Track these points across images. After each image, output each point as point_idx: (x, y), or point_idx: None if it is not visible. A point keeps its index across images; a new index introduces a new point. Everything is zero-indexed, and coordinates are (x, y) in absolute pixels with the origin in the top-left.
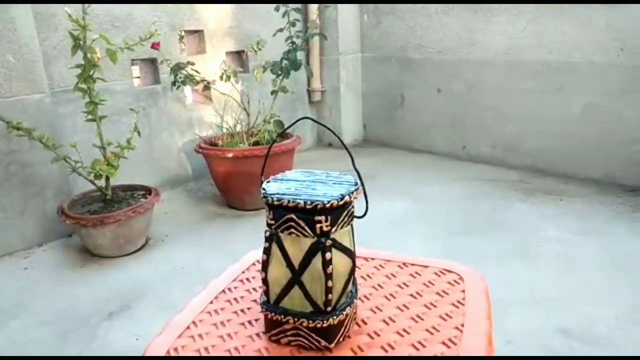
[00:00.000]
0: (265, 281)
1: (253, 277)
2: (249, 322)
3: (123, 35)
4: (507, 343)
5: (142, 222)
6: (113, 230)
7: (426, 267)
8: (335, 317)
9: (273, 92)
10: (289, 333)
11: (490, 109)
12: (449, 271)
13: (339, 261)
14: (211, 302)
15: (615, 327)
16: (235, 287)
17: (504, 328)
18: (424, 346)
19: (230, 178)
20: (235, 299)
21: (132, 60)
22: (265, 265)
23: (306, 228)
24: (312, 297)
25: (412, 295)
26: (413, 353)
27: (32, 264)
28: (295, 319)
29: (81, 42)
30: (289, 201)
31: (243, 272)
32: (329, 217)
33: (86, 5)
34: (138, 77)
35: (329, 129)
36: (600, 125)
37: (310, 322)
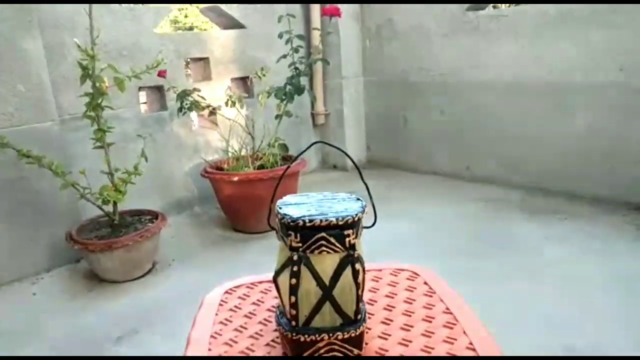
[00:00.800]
0: (295, 305)
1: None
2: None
3: (130, 63)
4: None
5: (149, 246)
6: (120, 255)
7: (380, 270)
8: (364, 324)
9: (277, 117)
10: (322, 351)
11: (492, 129)
12: (403, 270)
13: (361, 270)
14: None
15: (624, 348)
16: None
17: (510, 348)
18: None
19: (236, 201)
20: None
21: (139, 87)
22: (295, 288)
23: (336, 244)
24: (342, 310)
25: (388, 295)
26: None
27: (41, 290)
28: (330, 335)
29: (90, 72)
30: (321, 221)
31: (216, 314)
32: (354, 231)
33: (95, 35)
34: (145, 103)
35: (340, 149)
36: (603, 144)
37: (345, 333)
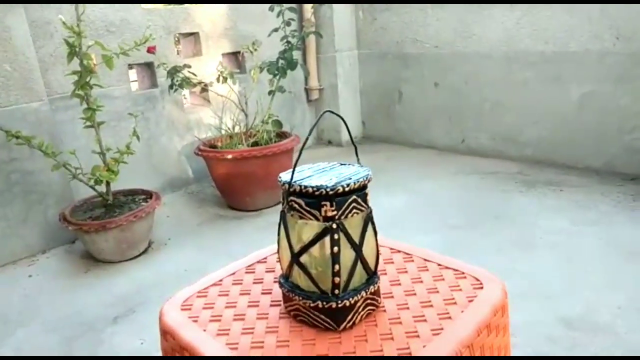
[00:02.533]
0: (338, 272)
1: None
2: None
3: (119, 40)
4: (511, 335)
5: (144, 226)
6: (115, 235)
7: (460, 272)
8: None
9: (270, 92)
10: (360, 310)
11: (488, 101)
12: (473, 277)
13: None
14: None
15: (617, 315)
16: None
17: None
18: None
19: (231, 179)
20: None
21: (129, 64)
22: (337, 256)
23: (362, 203)
24: (369, 265)
25: (416, 293)
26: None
27: (37, 272)
28: (366, 291)
29: (77, 49)
30: (354, 184)
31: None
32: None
33: (80, 11)
34: (136, 81)
35: (341, 117)
36: (598, 114)
37: (374, 286)
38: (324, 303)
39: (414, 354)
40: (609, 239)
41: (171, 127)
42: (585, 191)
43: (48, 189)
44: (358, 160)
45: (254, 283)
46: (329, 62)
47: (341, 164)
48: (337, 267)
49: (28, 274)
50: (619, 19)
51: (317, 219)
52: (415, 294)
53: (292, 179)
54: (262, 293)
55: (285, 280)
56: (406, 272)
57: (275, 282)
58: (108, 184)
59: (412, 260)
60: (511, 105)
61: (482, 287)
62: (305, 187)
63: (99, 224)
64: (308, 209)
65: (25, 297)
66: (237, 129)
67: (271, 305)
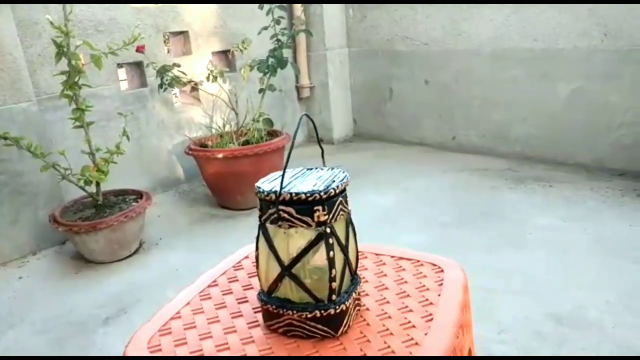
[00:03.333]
0: (335, 277)
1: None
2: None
3: (107, 39)
4: (500, 332)
5: (134, 226)
6: (106, 236)
7: (415, 260)
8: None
9: (261, 91)
10: (353, 310)
11: (478, 98)
12: (430, 263)
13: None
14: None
15: (605, 311)
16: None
17: (496, 317)
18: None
19: (222, 178)
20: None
21: (118, 64)
22: (333, 261)
23: (345, 206)
24: (352, 266)
25: (388, 287)
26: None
27: (27, 273)
28: (355, 292)
29: (65, 49)
30: (341, 185)
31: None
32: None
33: (68, 11)
34: (125, 80)
35: (312, 122)
36: (586, 111)
37: (359, 286)
38: (322, 312)
39: (420, 343)
40: (598, 235)
41: (161, 126)
42: (574, 187)
43: (38, 190)
44: (324, 162)
45: (217, 308)
46: (320, 60)
47: (308, 169)
48: (333, 272)
49: (18, 276)
50: (607, 16)
51: (310, 225)
52: (387, 288)
53: (281, 187)
54: (232, 317)
55: (269, 296)
56: (366, 269)
57: (240, 302)
58: (98, 184)
59: (366, 257)
60: (500, 102)
61: (443, 271)
62: (297, 193)
63: (89, 224)
64: (299, 216)
65: (15, 299)
66: (227, 128)
67: (250, 327)
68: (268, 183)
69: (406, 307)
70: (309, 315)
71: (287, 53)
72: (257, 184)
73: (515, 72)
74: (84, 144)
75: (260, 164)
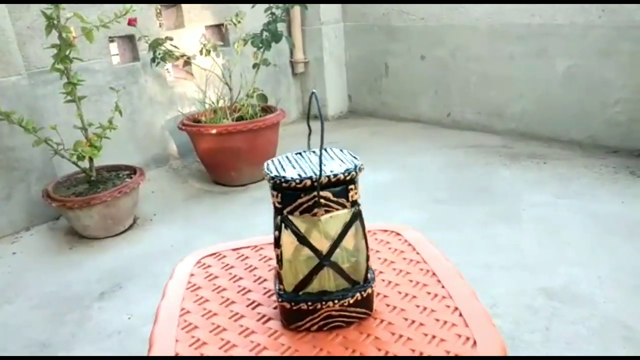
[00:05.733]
0: (368, 257)
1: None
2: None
3: (98, 12)
4: (492, 306)
5: (128, 202)
6: (100, 211)
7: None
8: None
9: (255, 66)
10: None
11: (474, 74)
12: (385, 230)
13: None
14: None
15: (596, 286)
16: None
17: (489, 291)
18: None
19: (216, 154)
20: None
21: (110, 37)
22: (366, 238)
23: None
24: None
25: (381, 260)
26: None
27: (21, 249)
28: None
29: (55, 21)
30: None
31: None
32: None
33: None
34: (117, 55)
35: (316, 99)
36: (582, 87)
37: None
38: (362, 293)
39: (456, 311)
40: (591, 212)
41: (154, 101)
42: (569, 164)
43: (30, 166)
44: (309, 145)
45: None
46: (315, 35)
47: (297, 153)
48: (369, 250)
49: (12, 251)
50: None
51: (344, 207)
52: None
53: (321, 171)
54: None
55: (297, 295)
56: None
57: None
58: (91, 159)
59: None
60: (497, 79)
61: (400, 234)
62: (336, 175)
63: (83, 200)
64: (336, 199)
65: (10, 274)
66: (221, 103)
67: (276, 338)
68: (277, 170)
69: (401, 270)
70: (350, 301)
71: (281, 27)
72: (272, 174)
73: (512, 48)
74: (76, 119)
75: (255, 140)
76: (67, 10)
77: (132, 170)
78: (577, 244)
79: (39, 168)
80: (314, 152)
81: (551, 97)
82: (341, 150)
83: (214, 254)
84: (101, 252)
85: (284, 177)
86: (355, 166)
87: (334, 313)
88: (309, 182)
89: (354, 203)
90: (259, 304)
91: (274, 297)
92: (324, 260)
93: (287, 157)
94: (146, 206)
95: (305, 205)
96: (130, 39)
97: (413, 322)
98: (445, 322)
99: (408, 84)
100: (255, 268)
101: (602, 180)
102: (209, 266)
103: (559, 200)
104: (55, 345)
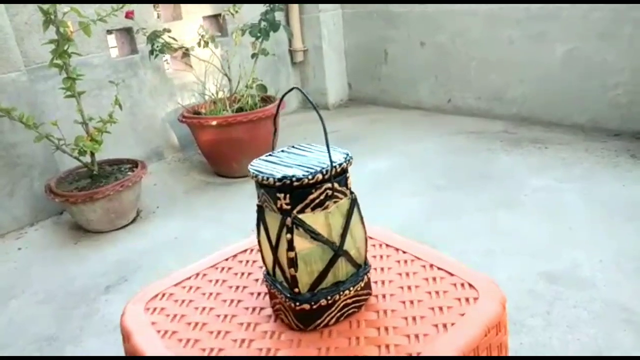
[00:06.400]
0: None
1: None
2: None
3: (95, 6)
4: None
5: (131, 195)
6: (103, 206)
7: (450, 274)
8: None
9: (254, 55)
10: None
11: (474, 60)
12: (470, 286)
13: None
14: (226, 259)
15: (597, 270)
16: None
17: (492, 277)
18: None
19: (216, 146)
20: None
21: (108, 30)
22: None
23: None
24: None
25: (405, 302)
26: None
27: (26, 244)
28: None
29: (52, 17)
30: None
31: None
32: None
33: None
34: (115, 47)
35: (306, 96)
36: (582, 71)
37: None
38: (367, 274)
39: (440, 270)
40: (592, 196)
41: (154, 94)
42: (570, 148)
43: (32, 161)
44: (273, 147)
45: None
46: (313, 23)
47: (269, 155)
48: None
49: (17, 247)
50: None
51: (345, 195)
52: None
53: (331, 162)
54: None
55: (314, 293)
56: (390, 268)
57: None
58: (93, 154)
59: (389, 255)
60: (497, 64)
61: (477, 299)
62: (341, 164)
63: (86, 194)
64: (339, 188)
65: (16, 270)
66: (220, 95)
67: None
68: (268, 168)
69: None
70: (362, 285)
71: (279, 16)
72: (277, 177)
73: (511, 32)
74: (76, 114)
75: (255, 131)
76: (64, 5)
77: (134, 164)
78: (578, 228)
79: (41, 163)
80: (282, 151)
81: (551, 80)
82: (309, 144)
83: (157, 295)
84: (106, 245)
85: (294, 175)
86: (349, 155)
87: (348, 301)
88: (320, 176)
89: (350, 190)
90: (256, 324)
91: (264, 312)
92: (339, 251)
93: (267, 161)
94: (149, 199)
95: (317, 201)
96: (128, 32)
97: (409, 287)
98: (434, 279)
99: (408, 71)
100: (219, 294)
101: (604, 163)
102: (162, 308)
103: (560, 184)
104: (62, 339)
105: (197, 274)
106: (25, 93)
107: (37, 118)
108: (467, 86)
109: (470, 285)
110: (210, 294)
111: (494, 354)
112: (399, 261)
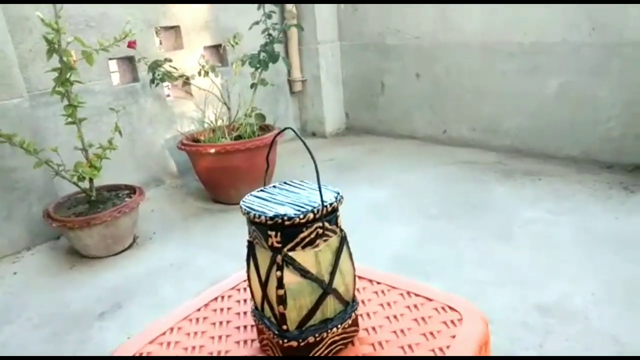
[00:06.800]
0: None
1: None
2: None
3: (98, 35)
4: (488, 322)
5: (128, 221)
6: (100, 231)
7: (429, 300)
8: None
9: (253, 85)
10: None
11: (468, 92)
12: (451, 308)
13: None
14: (198, 310)
15: (589, 302)
16: (229, 296)
17: (484, 308)
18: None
19: (215, 173)
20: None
21: (109, 58)
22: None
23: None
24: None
25: (396, 332)
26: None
27: (22, 269)
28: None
29: (56, 46)
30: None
31: (245, 279)
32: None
33: (59, 8)
34: (116, 72)
35: (302, 139)
36: (575, 104)
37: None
38: (354, 312)
39: (416, 296)
40: (585, 228)
41: (153, 121)
42: (563, 180)
43: (31, 186)
44: (265, 182)
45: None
46: (312, 54)
47: (260, 190)
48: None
49: (13, 271)
50: (595, 9)
51: (335, 233)
52: (382, 326)
53: (322, 201)
54: None
55: (302, 330)
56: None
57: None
58: (91, 180)
59: (365, 287)
60: (491, 96)
61: (461, 320)
62: (331, 203)
63: (83, 220)
64: (330, 227)
65: (11, 295)
66: (219, 123)
67: None
68: (260, 205)
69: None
70: (350, 321)
71: (278, 47)
72: (269, 215)
73: (505, 65)
74: (76, 140)
75: (253, 159)
76: (67, 34)
77: (132, 190)
78: (571, 260)
79: (40, 188)
80: (274, 186)
81: (545, 113)
82: (302, 181)
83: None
84: (101, 271)
85: (285, 214)
86: (339, 194)
87: (336, 338)
88: (311, 216)
89: (340, 228)
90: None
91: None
92: (328, 288)
93: (258, 197)
94: (146, 225)
95: (308, 239)
96: (130, 61)
97: (395, 317)
98: (415, 306)
99: (404, 102)
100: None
101: (596, 196)
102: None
103: (553, 216)
104: None
105: (172, 329)
106: (26, 119)
107: (38, 144)
108: (461, 117)
109: (450, 307)
110: (193, 347)
111: None
112: (376, 292)
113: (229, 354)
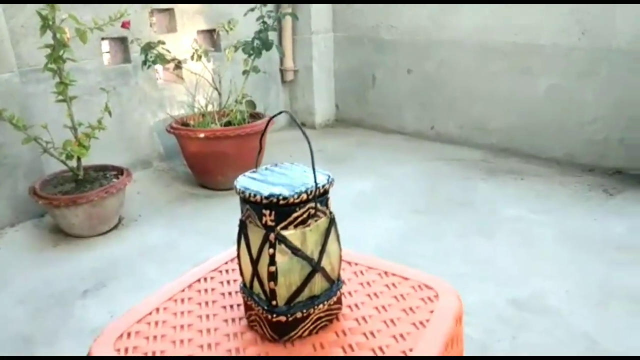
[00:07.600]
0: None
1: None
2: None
3: (92, 13)
4: (465, 315)
5: (114, 202)
6: (86, 211)
7: (406, 279)
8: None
9: (245, 72)
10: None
11: (459, 89)
12: (427, 286)
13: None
14: (182, 290)
15: (563, 299)
16: (212, 278)
17: (463, 301)
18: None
19: (202, 158)
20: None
21: (102, 37)
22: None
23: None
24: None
25: (377, 308)
26: None
27: (5, 245)
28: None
29: (50, 22)
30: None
31: (226, 262)
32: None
33: None
34: (108, 52)
35: (296, 121)
36: (561, 106)
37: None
38: (340, 290)
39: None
40: (564, 228)
41: (143, 103)
42: (545, 181)
43: (17, 162)
44: (257, 164)
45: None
46: (305, 44)
47: (253, 171)
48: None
49: None
50: (586, 14)
51: (325, 214)
52: (363, 303)
53: (316, 185)
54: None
55: (290, 306)
56: (349, 279)
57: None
58: (79, 159)
59: (344, 269)
60: (481, 94)
61: (437, 296)
62: (324, 185)
63: (70, 198)
64: (321, 207)
65: None
66: (210, 108)
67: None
68: (254, 185)
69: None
70: (335, 299)
71: (272, 35)
72: (265, 194)
73: (497, 64)
74: (66, 118)
75: (242, 146)
76: (62, 11)
77: (119, 171)
78: (548, 259)
79: (26, 165)
80: (266, 169)
81: (532, 114)
82: (292, 164)
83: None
84: (86, 250)
85: (280, 194)
86: (331, 177)
87: (322, 314)
88: (305, 196)
89: (330, 210)
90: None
91: (238, 324)
92: (316, 266)
93: (252, 178)
94: (131, 207)
95: (300, 219)
96: (122, 41)
97: (375, 294)
98: (393, 284)
99: (394, 96)
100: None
101: (576, 197)
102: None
103: (533, 215)
104: (38, 339)
105: (157, 309)
106: (16, 94)
107: (27, 120)
108: (450, 115)
109: (426, 286)
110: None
111: (459, 342)
112: (355, 272)
113: (217, 332)
